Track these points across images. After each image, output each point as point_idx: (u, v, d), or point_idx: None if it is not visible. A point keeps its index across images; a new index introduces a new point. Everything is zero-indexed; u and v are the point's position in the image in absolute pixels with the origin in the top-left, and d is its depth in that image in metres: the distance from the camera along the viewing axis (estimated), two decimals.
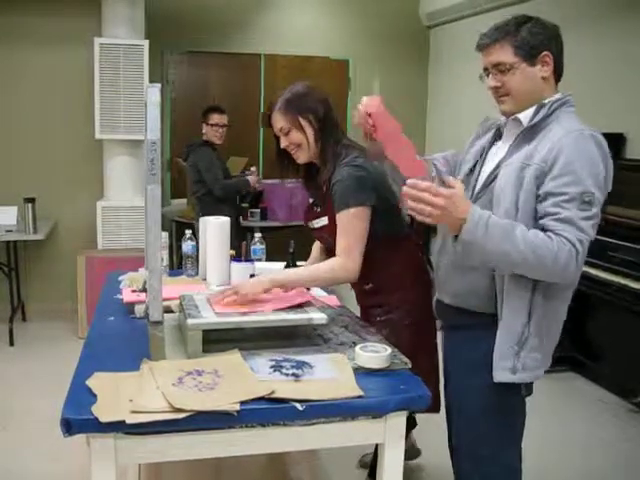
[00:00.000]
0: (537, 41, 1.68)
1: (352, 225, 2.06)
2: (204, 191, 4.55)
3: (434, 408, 2.20)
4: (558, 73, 1.74)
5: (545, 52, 1.69)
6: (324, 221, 2.23)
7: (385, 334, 2.18)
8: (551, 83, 1.73)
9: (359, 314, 2.37)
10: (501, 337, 1.70)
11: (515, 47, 1.68)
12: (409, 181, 1.56)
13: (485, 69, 1.76)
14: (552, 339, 1.77)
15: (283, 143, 2.18)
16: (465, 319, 1.82)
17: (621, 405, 3.67)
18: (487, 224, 1.57)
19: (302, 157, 2.19)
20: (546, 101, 1.70)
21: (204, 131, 4.64)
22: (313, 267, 2.16)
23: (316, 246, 2.49)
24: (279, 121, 2.16)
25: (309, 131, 2.14)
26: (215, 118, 4.61)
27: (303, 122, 2.13)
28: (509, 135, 1.78)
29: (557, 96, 1.72)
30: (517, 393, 1.77)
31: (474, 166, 1.87)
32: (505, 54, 1.69)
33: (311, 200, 2.36)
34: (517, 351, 1.69)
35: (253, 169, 5.05)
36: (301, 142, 2.15)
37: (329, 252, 2.29)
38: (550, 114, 1.69)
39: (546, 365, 1.78)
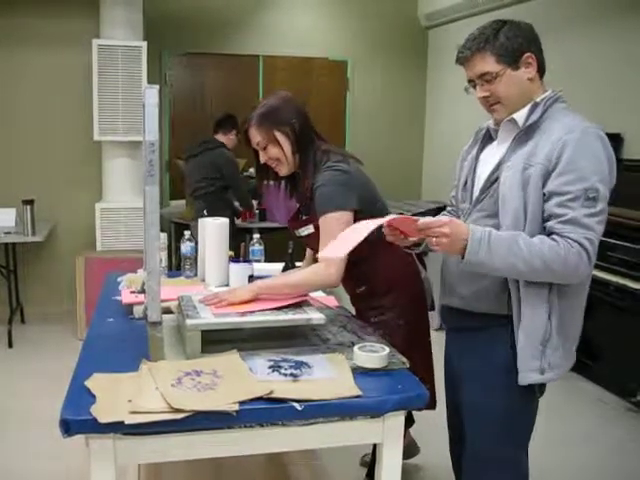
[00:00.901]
0: (517, 44, 1.67)
1: (333, 230, 2.01)
2: (211, 189, 4.57)
3: (430, 405, 2.20)
4: (542, 70, 1.73)
5: (527, 54, 1.68)
6: (310, 229, 2.21)
7: (380, 335, 2.18)
8: (537, 82, 1.73)
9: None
10: (524, 338, 1.68)
11: (497, 55, 1.67)
12: (421, 222, 1.62)
13: (470, 80, 1.75)
14: (573, 335, 1.76)
15: (262, 158, 2.17)
16: (475, 321, 1.80)
17: (620, 404, 3.68)
18: (489, 241, 1.58)
19: (283, 170, 2.18)
20: (539, 99, 1.70)
21: (222, 138, 4.67)
22: (297, 273, 2.14)
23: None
24: (255, 136, 2.14)
25: (286, 145, 2.12)
26: (234, 134, 4.70)
27: (279, 136, 2.11)
28: (505, 136, 1.77)
29: (548, 93, 1.72)
30: (533, 393, 1.76)
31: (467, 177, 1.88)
32: (488, 64, 1.68)
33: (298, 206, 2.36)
34: (542, 350, 1.68)
35: (252, 170, 5.05)
36: (279, 156, 2.13)
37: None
38: (544, 112, 1.69)
39: (570, 362, 1.77)
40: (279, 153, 2.13)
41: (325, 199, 2.05)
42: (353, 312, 2.37)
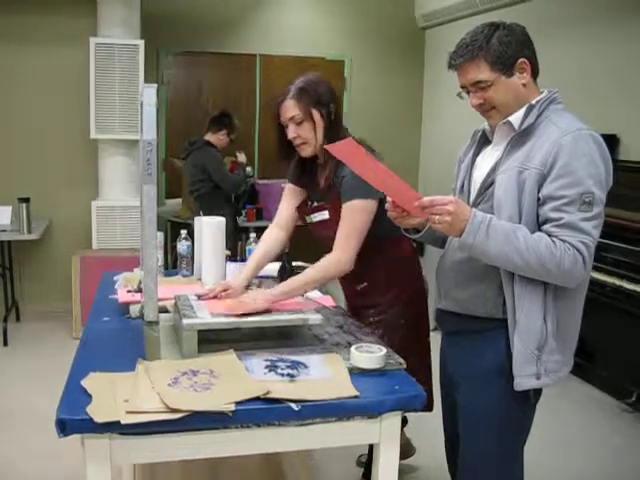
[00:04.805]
0: (511, 50, 1.65)
1: (354, 217, 2.04)
2: (205, 190, 4.57)
3: (428, 407, 2.20)
4: (535, 72, 1.71)
5: (521, 59, 1.66)
6: (324, 215, 2.21)
7: (379, 334, 2.17)
8: (532, 85, 1.71)
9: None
10: (520, 343, 1.67)
11: (491, 63, 1.64)
12: (425, 199, 1.59)
13: (463, 87, 1.73)
14: (571, 339, 1.75)
15: (292, 133, 2.10)
16: (470, 325, 1.79)
17: (616, 405, 3.68)
18: (488, 226, 1.58)
19: (307, 150, 2.13)
20: (534, 102, 1.68)
21: (211, 138, 4.66)
22: (310, 271, 2.10)
23: (268, 237, 2.36)
24: (291, 109, 2.08)
25: (320, 125, 2.09)
26: (224, 133, 4.68)
27: (316, 115, 2.08)
28: (500, 139, 1.76)
29: (544, 95, 1.70)
30: (528, 398, 1.74)
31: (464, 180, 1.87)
32: (482, 72, 1.66)
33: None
34: (538, 355, 1.67)
35: (249, 169, 5.06)
36: (310, 135, 2.10)
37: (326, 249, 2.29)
38: (540, 114, 1.67)
39: (568, 366, 1.76)
40: (311, 132, 2.10)
41: (353, 186, 2.05)
42: (350, 312, 2.37)
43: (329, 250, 2.24)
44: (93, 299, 2.46)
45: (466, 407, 1.85)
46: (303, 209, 2.31)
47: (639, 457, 3.15)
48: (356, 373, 1.70)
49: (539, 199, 1.62)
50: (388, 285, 2.26)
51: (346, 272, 2.09)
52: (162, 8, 5.51)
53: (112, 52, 4.74)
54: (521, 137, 1.68)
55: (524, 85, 1.68)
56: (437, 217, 1.59)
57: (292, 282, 2.06)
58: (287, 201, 2.38)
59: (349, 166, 1.79)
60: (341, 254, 2.04)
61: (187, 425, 1.46)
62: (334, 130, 2.12)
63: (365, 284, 2.29)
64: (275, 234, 2.35)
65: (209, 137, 4.64)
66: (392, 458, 1.65)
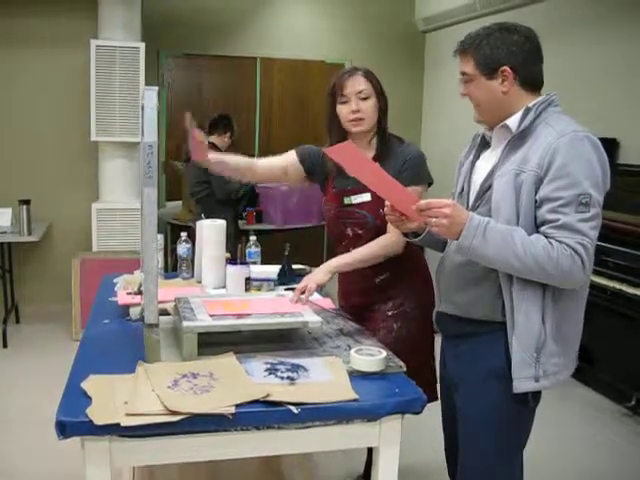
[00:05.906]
0: (497, 55, 1.67)
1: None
2: (207, 192, 4.56)
3: (435, 397, 2.18)
4: (533, 83, 1.72)
5: (504, 67, 1.67)
6: (366, 197, 2.25)
7: (396, 328, 2.19)
8: (518, 95, 1.70)
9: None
10: (518, 345, 1.67)
11: (475, 60, 1.70)
12: (422, 202, 1.61)
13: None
14: (571, 341, 1.76)
15: (354, 106, 2.22)
16: (470, 327, 1.79)
17: (616, 409, 3.68)
18: (485, 229, 1.58)
19: (362, 126, 2.26)
20: (531, 104, 1.68)
21: (216, 140, 4.66)
22: (366, 249, 2.20)
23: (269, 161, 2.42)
24: (362, 83, 2.24)
25: (379, 107, 2.28)
26: (228, 136, 4.71)
27: (379, 97, 2.27)
28: (498, 142, 1.77)
29: (541, 98, 1.71)
30: (528, 401, 1.74)
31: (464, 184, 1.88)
32: (468, 65, 1.72)
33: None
34: (537, 358, 1.67)
35: None
36: (371, 111, 2.24)
37: (355, 238, 2.31)
38: (537, 116, 1.68)
39: (569, 369, 1.76)
40: (373, 110, 2.25)
41: (421, 171, 2.30)
42: (349, 315, 2.36)
43: (338, 250, 2.25)
44: (93, 301, 2.46)
45: (465, 409, 1.85)
46: (340, 193, 2.33)
47: (639, 461, 3.15)
48: (356, 376, 1.70)
49: (536, 201, 1.63)
50: (406, 275, 2.29)
51: (399, 254, 2.21)
52: (163, 10, 5.52)
53: (113, 54, 4.75)
54: (518, 140, 1.69)
55: (504, 93, 1.69)
56: (434, 220, 1.60)
57: (351, 257, 2.19)
58: (282, 159, 2.42)
59: (347, 169, 1.80)
60: (399, 236, 2.09)
61: (187, 428, 1.46)
62: (384, 117, 2.32)
63: (386, 274, 2.30)
64: (251, 161, 2.40)
65: (214, 139, 4.65)
66: (392, 462, 1.65)
